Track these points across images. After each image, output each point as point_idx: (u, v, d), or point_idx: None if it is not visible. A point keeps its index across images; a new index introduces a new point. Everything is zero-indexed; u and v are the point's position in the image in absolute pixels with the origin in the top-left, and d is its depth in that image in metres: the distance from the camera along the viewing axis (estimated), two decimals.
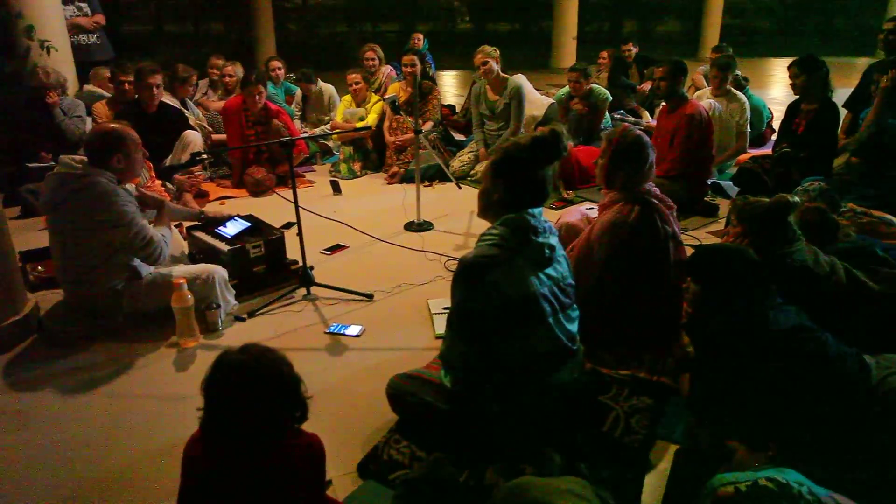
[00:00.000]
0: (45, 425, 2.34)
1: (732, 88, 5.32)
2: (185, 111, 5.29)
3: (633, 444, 2.10)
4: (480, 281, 1.87)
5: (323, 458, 1.62)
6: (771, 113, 6.64)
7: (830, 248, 2.60)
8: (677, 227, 2.62)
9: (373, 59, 6.51)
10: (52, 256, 2.94)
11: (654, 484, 1.97)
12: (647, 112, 7.00)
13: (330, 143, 6.25)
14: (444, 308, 3.04)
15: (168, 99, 5.06)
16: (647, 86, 7.30)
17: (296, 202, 3.21)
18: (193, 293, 2.82)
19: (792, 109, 4.49)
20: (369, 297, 3.26)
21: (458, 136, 6.48)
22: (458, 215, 4.51)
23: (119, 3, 16.36)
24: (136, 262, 2.90)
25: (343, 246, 3.97)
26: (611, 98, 5.86)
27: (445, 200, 4.85)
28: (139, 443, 2.22)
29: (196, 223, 3.50)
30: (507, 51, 5.43)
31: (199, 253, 3.42)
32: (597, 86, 5.83)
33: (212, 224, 3.45)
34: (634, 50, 7.57)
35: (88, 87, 5.77)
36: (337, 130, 5.79)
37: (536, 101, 5.80)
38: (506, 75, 5.37)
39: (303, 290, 3.30)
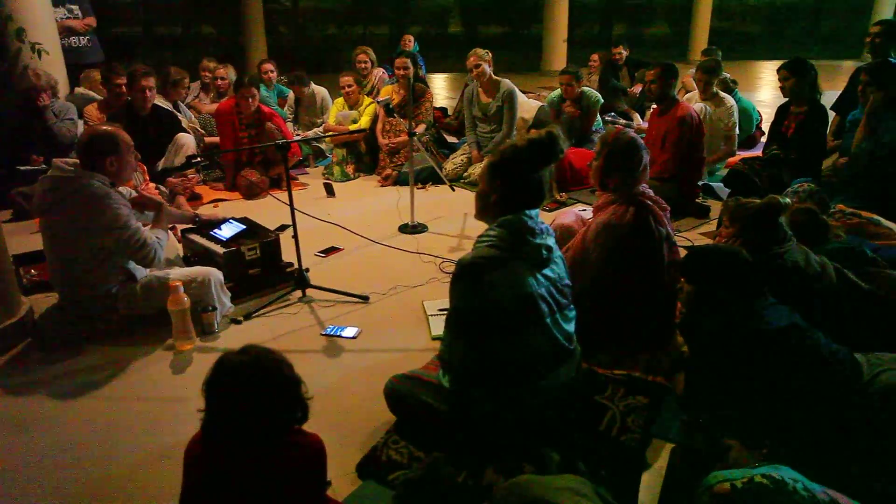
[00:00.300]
0: (41, 429, 2.33)
1: (720, 91, 5.37)
2: (178, 114, 5.28)
3: (630, 442, 2.12)
4: (479, 282, 1.89)
5: (324, 458, 1.63)
6: (760, 115, 6.71)
7: (821, 248, 2.64)
8: (671, 229, 2.65)
9: (365, 62, 6.53)
10: (47, 259, 2.93)
11: (650, 482, 1.99)
12: (637, 114, 7.06)
13: (322, 146, 6.25)
14: (440, 309, 3.05)
15: (160, 101, 5.05)
16: (637, 88, 7.36)
17: (291, 204, 3.21)
18: (189, 296, 2.82)
19: (781, 112, 4.55)
20: (365, 299, 3.27)
21: (451, 139, 6.51)
22: (451, 217, 4.53)
23: (107, 5, 16.27)
24: (132, 264, 2.90)
25: (337, 248, 3.97)
26: (602, 101, 5.91)
27: (439, 203, 4.87)
28: (137, 446, 2.22)
29: (191, 226, 3.50)
30: (498, 54, 5.46)
31: (195, 256, 3.41)
32: (588, 89, 5.88)
33: (207, 227, 3.45)
34: (625, 53, 7.63)
35: (80, 90, 5.74)
36: (331, 133, 5.80)
37: (524, 105, 5.85)
38: (498, 78, 5.40)
39: (298, 293, 3.31)
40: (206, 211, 4.52)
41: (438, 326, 2.93)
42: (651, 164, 3.86)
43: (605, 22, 22.82)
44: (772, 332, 2.02)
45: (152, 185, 4.31)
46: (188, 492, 1.58)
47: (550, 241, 2.03)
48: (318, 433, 1.64)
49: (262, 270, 3.35)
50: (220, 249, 3.25)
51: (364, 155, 5.84)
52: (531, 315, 1.95)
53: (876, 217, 3.33)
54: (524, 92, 6.21)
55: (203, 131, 5.68)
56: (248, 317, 3.10)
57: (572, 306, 2.11)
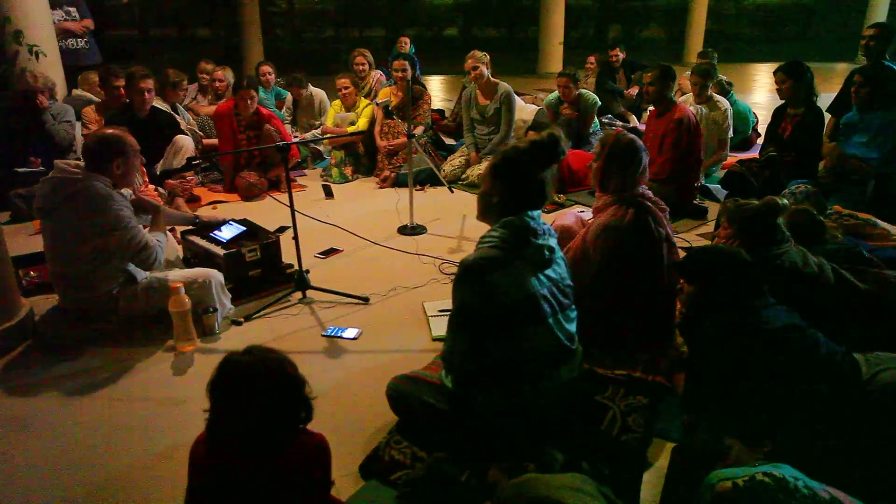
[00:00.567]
0: (42, 430, 2.33)
1: (715, 95, 5.40)
2: (177, 116, 5.28)
3: (631, 442, 2.13)
4: (481, 282, 1.90)
5: (329, 457, 1.64)
6: (756, 117, 6.75)
7: (818, 248, 2.66)
8: (670, 230, 2.66)
9: (363, 64, 6.54)
10: (47, 261, 2.93)
11: (652, 481, 2.00)
12: (634, 116, 7.09)
13: (320, 148, 6.26)
14: (441, 310, 3.07)
15: (159, 104, 5.05)
16: (633, 90, 7.39)
17: (291, 206, 3.22)
18: (190, 297, 2.83)
19: (778, 114, 4.58)
20: (365, 300, 3.28)
21: (448, 141, 6.52)
22: (450, 219, 4.54)
23: (103, 7, 16.24)
24: (132, 266, 2.90)
25: (337, 250, 3.98)
26: (599, 103, 5.94)
27: (438, 204, 4.88)
28: (138, 447, 2.22)
29: (190, 227, 3.50)
30: (494, 56, 5.48)
31: (195, 257, 3.42)
32: (586, 91, 5.91)
33: (206, 228, 3.45)
34: (622, 55, 7.66)
35: (77, 92, 5.74)
36: (330, 135, 5.81)
37: (521, 107, 5.87)
38: (496, 80, 5.42)
39: (298, 294, 3.32)
40: (204, 212, 4.53)
41: (439, 327, 2.94)
42: (648, 165, 3.91)
43: (600, 24, 22.90)
44: (771, 332, 2.04)
45: (151, 186, 4.31)
46: (193, 493, 1.59)
47: (552, 242, 2.05)
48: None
49: (263, 272, 3.36)
50: (220, 251, 3.26)
51: (362, 157, 5.85)
52: (534, 315, 1.96)
53: (872, 218, 3.36)
54: (520, 94, 6.24)
55: (201, 133, 5.68)
56: (248, 318, 3.10)
57: (574, 306, 2.12)
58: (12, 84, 5.24)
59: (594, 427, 2.20)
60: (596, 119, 5.96)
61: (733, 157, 5.41)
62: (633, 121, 6.97)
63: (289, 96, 6.62)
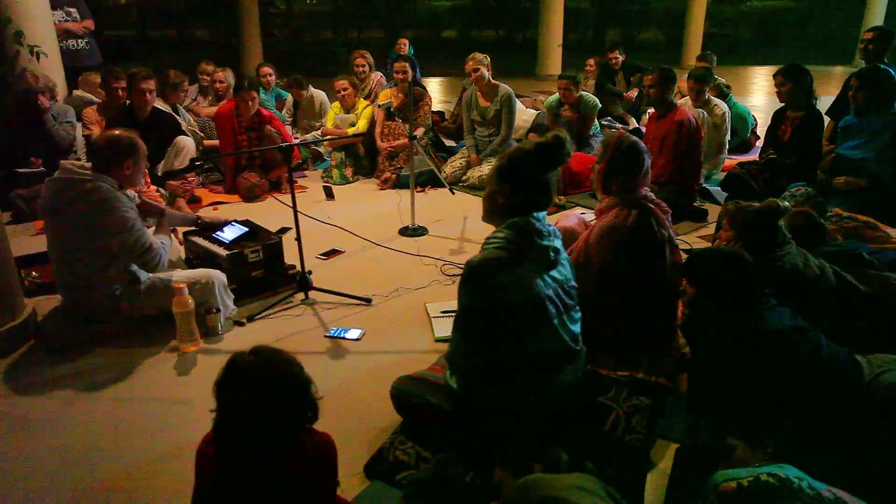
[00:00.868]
0: (46, 430, 2.34)
1: (713, 98, 5.42)
2: (177, 117, 5.28)
3: (635, 443, 2.14)
4: (487, 283, 1.90)
5: (335, 457, 1.65)
6: (755, 120, 6.77)
7: (818, 251, 2.68)
8: (673, 232, 2.67)
9: (363, 66, 6.54)
10: (50, 261, 2.93)
11: (655, 482, 2.01)
12: (633, 119, 7.11)
13: (321, 149, 6.27)
14: (443, 311, 3.08)
15: (159, 104, 5.05)
16: (633, 93, 7.41)
17: (294, 207, 3.23)
18: (193, 298, 2.83)
19: (777, 117, 4.60)
20: (368, 301, 3.28)
21: (449, 142, 6.53)
22: (451, 220, 4.55)
23: (101, 8, 16.24)
24: (135, 267, 2.90)
25: (339, 251, 3.99)
26: (600, 105, 5.95)
27: (439, 206, 4.89)
28: (141, 447, 2.23)
29: (193, 228, 3.51)
30: (493, 58, 5.49)
31: (197, 258, 3.42)
32: (586, 93, 5.92)
33: (209, 229, 3.46)
34: (621, 58, 7.68)
35: (78, 93, 5.74)
36: (331, 136, 5.81)
37: (519, 111, 5.89)
38: (496, 82, 5.43)
39: (301, 295, 3.32)
40: (206, 213, 4.53)
41: (441, 328, 2.95)
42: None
43: (598, 26, 22.94)
44: (773, 334, 2.05)
45: (153, 187, 4.31)
46: (201, 492, 1.59)
47: (557, 243, 2.06)
48: None
49: (265, 273, 3.36)
50: (223, 252, 3.26)
51: (362, 158, 5.86)
52: (539, 316, 1.97)
53: (872, 221, 3.38)
54: (519, 97, 6.25)
55: (202, 134, 5.68)
56: (251, 319, 3.11)
57: (578, 307, 2.13)
58: (13, 85, 5.24)
59: (597, 428, 2.21)
60: (596, 121, 5.98)
61: (733, 160, 5.43)
62: (633, 122, 6.99)
63: (289, 97, 6.63)
